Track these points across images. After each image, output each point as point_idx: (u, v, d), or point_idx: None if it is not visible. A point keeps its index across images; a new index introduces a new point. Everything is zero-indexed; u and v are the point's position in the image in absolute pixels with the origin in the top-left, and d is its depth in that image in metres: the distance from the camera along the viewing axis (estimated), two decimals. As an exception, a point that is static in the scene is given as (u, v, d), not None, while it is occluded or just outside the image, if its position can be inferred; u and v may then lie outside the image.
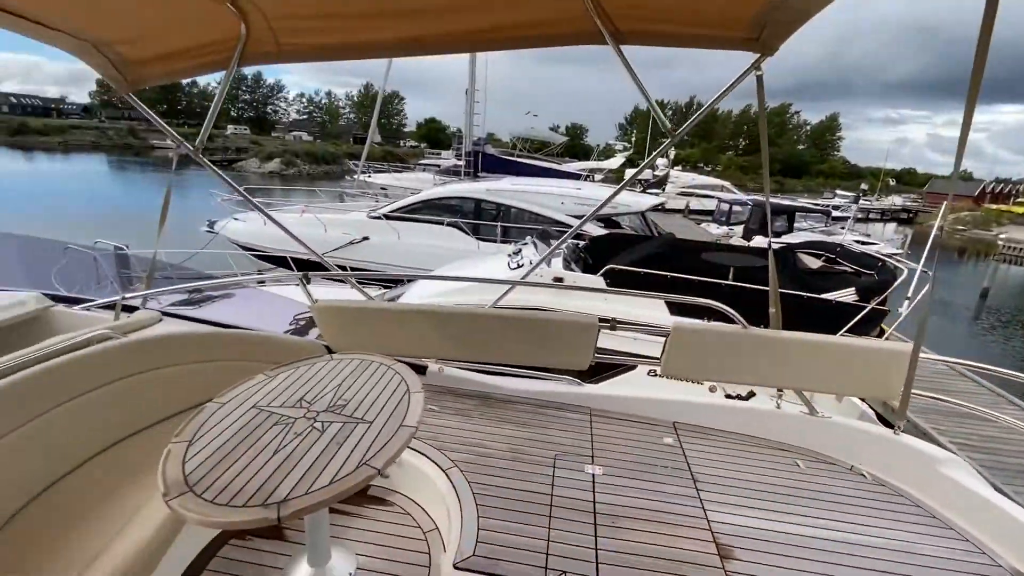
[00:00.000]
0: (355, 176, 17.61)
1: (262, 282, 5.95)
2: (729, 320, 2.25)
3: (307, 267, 9.13)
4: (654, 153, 2.54)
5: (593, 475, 1.93)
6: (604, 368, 3.82)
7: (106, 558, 1.28)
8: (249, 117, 73.78)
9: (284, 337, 2.25)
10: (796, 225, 13.59)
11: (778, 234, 11.87)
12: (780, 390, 2.37)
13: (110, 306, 2.48)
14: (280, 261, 8.94)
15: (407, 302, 3.58)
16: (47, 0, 1.69)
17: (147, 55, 2.09)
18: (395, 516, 1.86)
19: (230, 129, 64.81)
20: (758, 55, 1.79)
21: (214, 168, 2.38)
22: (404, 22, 1.86)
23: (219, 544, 1.69)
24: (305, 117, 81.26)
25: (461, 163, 18.29)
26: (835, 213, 18.82)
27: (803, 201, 22.92)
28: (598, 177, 22.55)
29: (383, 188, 16.86)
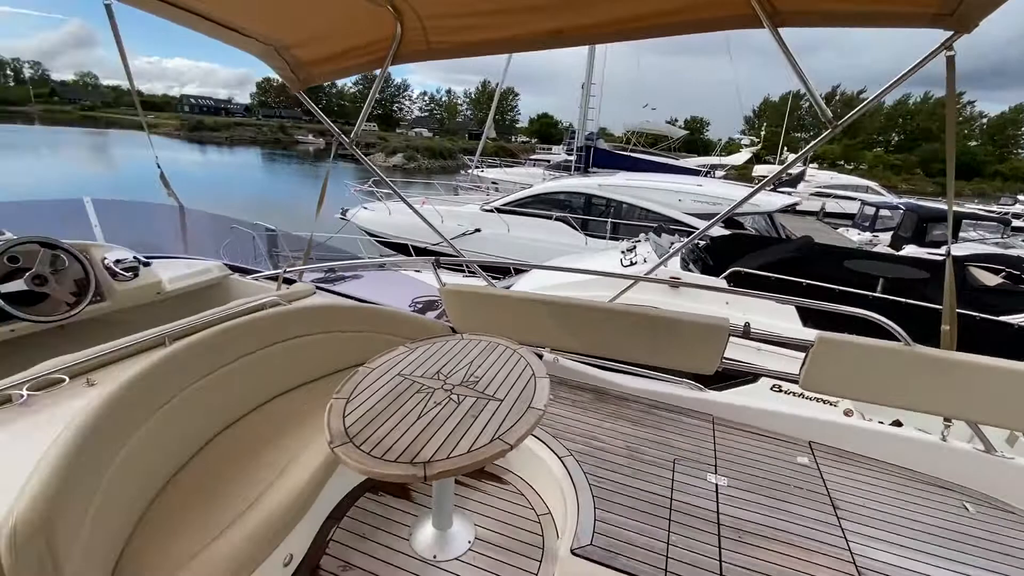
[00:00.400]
0: (468, 171, 18.43)
1: (382, 265, 6.47)
2: (883, 336, 1.99)
3: (425, 254, 9.78)
4: (811, 144, 2.29)
5: (716, 485, 1.83)
6: (723, 378, 3.60)
7: (274, 493, 1.48)
8: (378, 115, 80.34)
9: (417, 316, 2.43)
10: (962, 235, 11.59)
11: (937, 244, 10.22)
12: (947, 421, 2.05)
13: (273, 277, 2.86)
14: (401, 248, 9.65)
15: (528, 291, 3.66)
16: (244, 11, 1.99)
17: (316, 56, 2.36)
18: (511, 495, 1.93)
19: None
20: (951, 33, 1.55)
21: (364, 159, 2.62)
22: (548, 15, 1.88)
23: (357, 495, 1.88)
24: (426, 114, 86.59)
25: (571, 158, 18.25)
26: (1016, 223, 15.70)
27: (972, 207, 19.42)
28: (719, 174, 21.13)
29: (494, 182, 17.40)
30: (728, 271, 4.21)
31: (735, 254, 4.95)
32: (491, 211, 9.61)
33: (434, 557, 1.62)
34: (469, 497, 1.91)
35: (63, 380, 1.39)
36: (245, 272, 2.96)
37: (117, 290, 2.25)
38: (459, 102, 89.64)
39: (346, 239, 9.80)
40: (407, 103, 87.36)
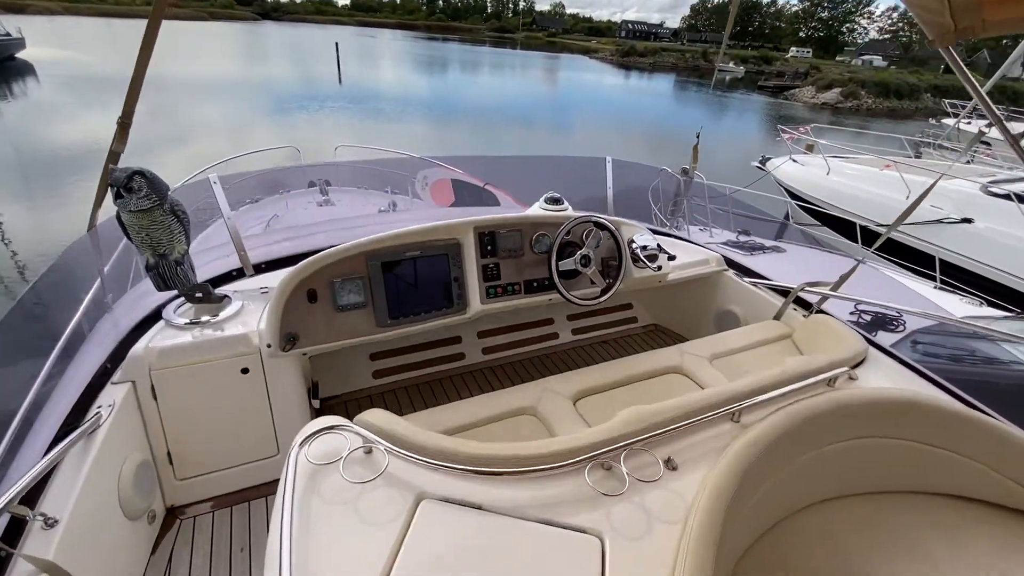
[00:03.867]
0: (941, 120, 13.18)
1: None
2: None
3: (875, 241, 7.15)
4: None
5: None
6: None
7: None
8: (818, 38, 67.25)
9: None
10: None
11: None
12: None
13: (783, 292, 2.24)
14: (833, 224, 7.47)
15: None
16: None
17: None
18: None
19: (791, 52, 61.56)
20: None
21: (1015, 142, 1.63)
22: None
23: None
24: (887, 37, 67.24)
25: None
26: None
27: None
28: None
29: (985, 143, 11.69)
30: None
31: None
32: (1004, 196, 6.33)
33: None
34: None
35: (652, 458, 1.17)
36: (741, 271, 2.51)
37: (633, 276, 2.13)
38: (945, 18, 65.45)
39: (758, 196, 7.74)
40: (863, 22, 69.60)
